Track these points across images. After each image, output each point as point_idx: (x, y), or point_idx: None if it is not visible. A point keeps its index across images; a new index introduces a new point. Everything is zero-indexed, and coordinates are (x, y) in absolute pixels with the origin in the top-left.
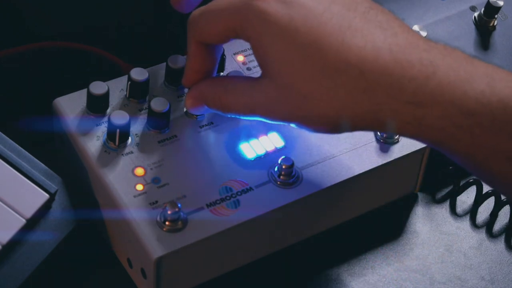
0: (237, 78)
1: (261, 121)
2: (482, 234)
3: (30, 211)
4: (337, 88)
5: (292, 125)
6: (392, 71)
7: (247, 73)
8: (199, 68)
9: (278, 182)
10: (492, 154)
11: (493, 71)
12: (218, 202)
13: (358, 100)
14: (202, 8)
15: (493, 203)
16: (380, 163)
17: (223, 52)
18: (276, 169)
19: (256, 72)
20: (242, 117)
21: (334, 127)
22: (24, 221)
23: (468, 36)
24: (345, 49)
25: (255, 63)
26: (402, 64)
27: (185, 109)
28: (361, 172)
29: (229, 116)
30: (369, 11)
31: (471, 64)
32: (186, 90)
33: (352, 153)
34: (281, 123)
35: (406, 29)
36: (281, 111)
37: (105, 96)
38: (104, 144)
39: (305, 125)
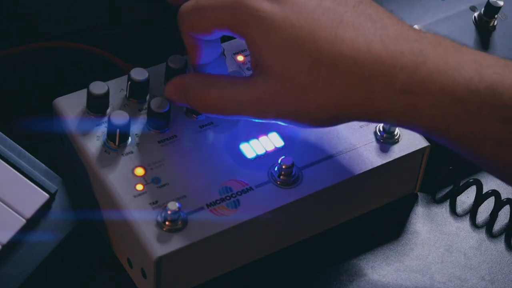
0: (226, 75)
1: (243, 120)
2: (482, 234)
3: (30, 211)
4: (335, 77)
5: (281, 122)
6: (384, 60)
7: (247, 73)
8: (199, 57)
9: (278, 182)
10: (482, 139)
11: (481, 58)
12: (218, 202)
13: (355, 88)
14: (192, 2)
15: (493, 203)
16: (380, 163)
17: (223, 51)
18: (276, 169)
19: None
20: (220, 116)
21: (333, 116)
22: (24, 221)
23: (468, 36)
24: (338, 42)
25: None
26: (393, 54)
27: (185, 109)
28: (361, 172)
29: (208, 115)
30: (359, 5)
31: (459, 52)
32: None
33: (352, 153)
34: (271, 121)
35: (395, 20)
36: (279, 106)
37: (105, 96)
38: (104, 144)
39: (303, 118)
